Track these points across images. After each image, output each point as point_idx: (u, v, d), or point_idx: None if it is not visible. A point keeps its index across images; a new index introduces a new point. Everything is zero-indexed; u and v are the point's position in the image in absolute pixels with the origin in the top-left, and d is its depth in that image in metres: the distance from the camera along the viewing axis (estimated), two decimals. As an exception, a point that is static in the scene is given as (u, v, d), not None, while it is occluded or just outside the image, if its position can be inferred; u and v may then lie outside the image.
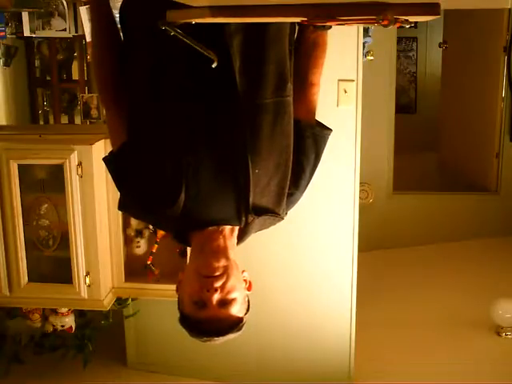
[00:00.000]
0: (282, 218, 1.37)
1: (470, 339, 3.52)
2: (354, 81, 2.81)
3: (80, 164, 2.49)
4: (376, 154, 4.62)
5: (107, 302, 2.68)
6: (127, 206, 1.40)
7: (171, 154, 1.26)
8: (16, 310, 2.91)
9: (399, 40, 6.51)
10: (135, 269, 2.79)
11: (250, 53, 1.25)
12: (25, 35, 3.41)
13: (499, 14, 4.86)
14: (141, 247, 2.80)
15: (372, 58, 3.91)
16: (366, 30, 3.44)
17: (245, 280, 1.31)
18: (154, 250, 2.74)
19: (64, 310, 2.86)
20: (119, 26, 1.41)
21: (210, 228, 1.27)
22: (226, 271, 1.24)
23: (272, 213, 1.33)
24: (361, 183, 3.14)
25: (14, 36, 3.49)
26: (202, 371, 3.15)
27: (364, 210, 3.31)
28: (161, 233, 2.74)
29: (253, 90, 1.25)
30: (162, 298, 2.87)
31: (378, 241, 4.63)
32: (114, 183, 1.41)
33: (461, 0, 1.28)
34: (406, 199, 4.99)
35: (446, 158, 5.78)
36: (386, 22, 0.96)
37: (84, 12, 3.15)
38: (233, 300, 1.24)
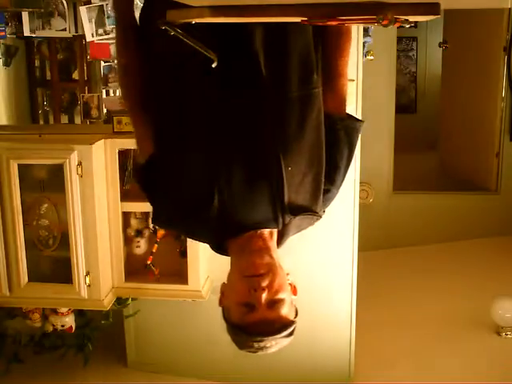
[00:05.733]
0: (320, 217, 1.33)
1: (470, 339, 3.52)
2: (354, 81, 2.81)
3: (80, 164, 2.49)
4: (376, 154, 4.62)
5: (107, 301, 2.68)
6: (161, 218, 1.36)
7: (201, 159, 1.23)
8: (16, 309, 2.91)
9: (399, 40, 6.50)
10: (135, 269, 2.79)
11: (271, 45, 1.21)
12: (25, 35, 3.42)
13: (499, 13, 4.86)
14: (141, 247, 2.80)
15: (372, 57, 3.92)
16: (365, 30, 3.45)
17: (289, 284, 1.25)
18: (154, 250, 2.74)
19: (64, 309, 2.86)
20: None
21: (248, 233, 1.23)
22: (270, 269, 1.19)
23: (309, 211, 1.29)
24: (361, 183, 3.14)
25: (14, 36, 3.49)
26: (202, 371, 3.15)
27: (364, 209, 3.31)
28: (161, 232, 2.74)
29: (278, 84, 1.21)
30: (162, 298, 2.87)
31: (378, 241, 4.63)
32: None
33: (461, 0, 1.28)
34: (406, 199, 4.99)
35: (446, 158, 5.79)
36: (385, 22, 0.96)
37: (84, 12, 3.15)
38: (281, 300, 1.19)
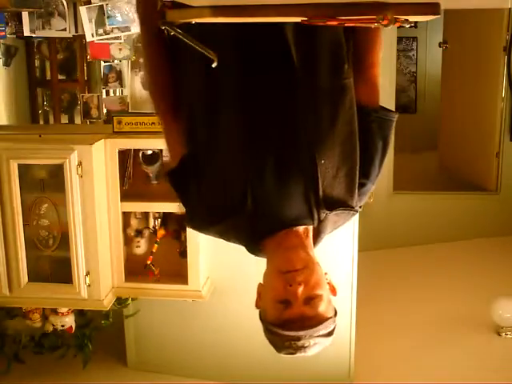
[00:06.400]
0: (356, 212, 1.30)
1: (470, 339, 3.52)
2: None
3: (80, 164, 2.49)
4: (376, 153, 4.61)
5: (107, 301, 2.68)
6: (195, 220, 1.34)
7: (233, 157, 1.21)
8: (16, 309, 2.91)
9: (399, 40, 6.50)
10: (135, 269, 2.79)
11: (302, 35, 1.19)
12: (25, 35, 3.41)
13: (499, 14, 4.86)
14: (141, 247, 2.80)
15: (372, 57, 3.91)
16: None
17: (328, 283, 1.22)
18: (154, 250, 2.74)
19: (64, 309, 2.86)
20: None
21: (283, 231, 1.20)
22: (307, 265, 1.17)
23: (344, 206, 1.26)
24: (361, 183, 3.13)
25: (14, 36, 3.49)
26: (202, 371, 3.15)
27: (364, 209, 3.31)
28: (161, 233, 2.75)
29: (309, 75, 1.20)
30: (162, 298, 2.88)
31: (378, 241, 4.63)
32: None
33: (461, 0, 1.28)
34: (406, 199, 4.99)
35: (446, 158, 5.78)
36: (385, 22, 0.96)
37: (84, 12, 3.15)
38: (318, 296, 1.15)
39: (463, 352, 3.38)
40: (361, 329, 3.13)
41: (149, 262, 2.74)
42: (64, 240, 2.61)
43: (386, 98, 4.77)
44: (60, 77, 4.10)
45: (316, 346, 1.15)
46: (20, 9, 3.18)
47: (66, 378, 3.10)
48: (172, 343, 3.17)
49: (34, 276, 2.65)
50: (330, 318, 1.17)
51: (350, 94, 1.25)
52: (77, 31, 3.42)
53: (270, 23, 1.10)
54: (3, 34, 3.33)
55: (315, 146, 1.19)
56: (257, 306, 1.24)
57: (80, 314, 2.99)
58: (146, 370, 3.22)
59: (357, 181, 1.28)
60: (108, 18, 3.15)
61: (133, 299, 2.97)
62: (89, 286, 2.60)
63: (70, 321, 2.91)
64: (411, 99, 7.24)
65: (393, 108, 5.02)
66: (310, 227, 1.24)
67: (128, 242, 2.82)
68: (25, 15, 3.32)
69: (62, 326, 2.90)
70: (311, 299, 1.14)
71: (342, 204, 1.25)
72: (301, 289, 1.13)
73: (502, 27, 4.89)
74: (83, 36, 3.28)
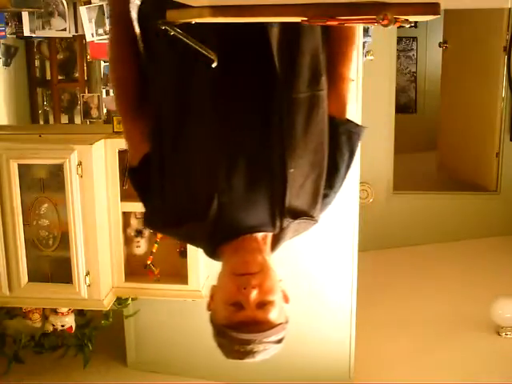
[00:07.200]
0: (317, 222, 1.31)
1: (469, 339, 3.52)
2: (353, 81, 2.80)
3: (80, 164, 2.49)
4: (376, 154, 4.62)
5: (107, 301, 2.68)
6: (155, 221, 1.33)
7: (202, 161, 1.20)
8: (16, 309, 2.91)
9: (399, 40, 6.50)
10: (135, 269, 2.79)
11: (285, 45, 1.19)
12: (25, 35, 3.42)
13: (499, 13, 4.86)
14: (141, 247, 2.80)
15: (372, 57, 3.91)
16: (365, 30, 3.44)
17: (281, 290, 1.22)
18: (154, 250, 2.74)
19: (64, 309, 2.86)
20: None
21: (242, 237, 1.20)
22: (262, 269, 1.17)
23: (308, 215, 1.26)
24: (361, 183, 3.14)
25: (14, 36, 3.49)
26: (202, 371, 3.15)
27: (364, 209, 3.31)
28: (161, 233, 2.75)
29: (289, 83, 1.19)
30: (162, 298, 2.88)
31: (377, 241, 4.63)
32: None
33: (461, 0, 1.28)
34: (406, 199, 4.99)
35: (446, 158, 5.78)
36: (385, 22, 0.96)
37: (84, 12, 3.15)
38: (271, 302, 1.15)
39: (463, 352, 3.38)
40: (361, 329, 3.13)
41: (149, 262, 2.74)
42: (64, 240, 2.60)
43: (386, 98, 4.77)
44: (60, 77, 4.10)
45: (264, 352, 1.15)
46: (20, 9, 3.18)
47: (66, 378, 3.10)
48: (172, 343, 3.17)
49: (34, 276, 2.65)
50: (281, 324, 1.17)
51: (324, 104, 1.27)
52: (77, 31, 3.42)
53: (257, 27, 1.11)
54: (3, 34, 3.33)
55: (286, 155, 1.19)
56: (208, 308, 1.23)
57: (80, 313, 2.99)
58: (146, 369, 3.22)
59: (322, 191, 1.29)
60: (108, 18, 3.15)
61: (133, 299, 2.97)
62: (89, 286, 2.59)
63: (70, 321, 2.90)
64: (411, 99, 7.24)
65: (393, 108, 5.06)
66: (270, 234, 1.24)
67: (128, 242, 2.82)
68: (25, 15, 3.33)
69: (62, 325, 2.90)
70: (263, 305, 1.15)
71: (305, 213, 1.26)
72: (254, 292, 1.13)
73: (502, 27, 4.90)
74: (83, 36, 3.28)
